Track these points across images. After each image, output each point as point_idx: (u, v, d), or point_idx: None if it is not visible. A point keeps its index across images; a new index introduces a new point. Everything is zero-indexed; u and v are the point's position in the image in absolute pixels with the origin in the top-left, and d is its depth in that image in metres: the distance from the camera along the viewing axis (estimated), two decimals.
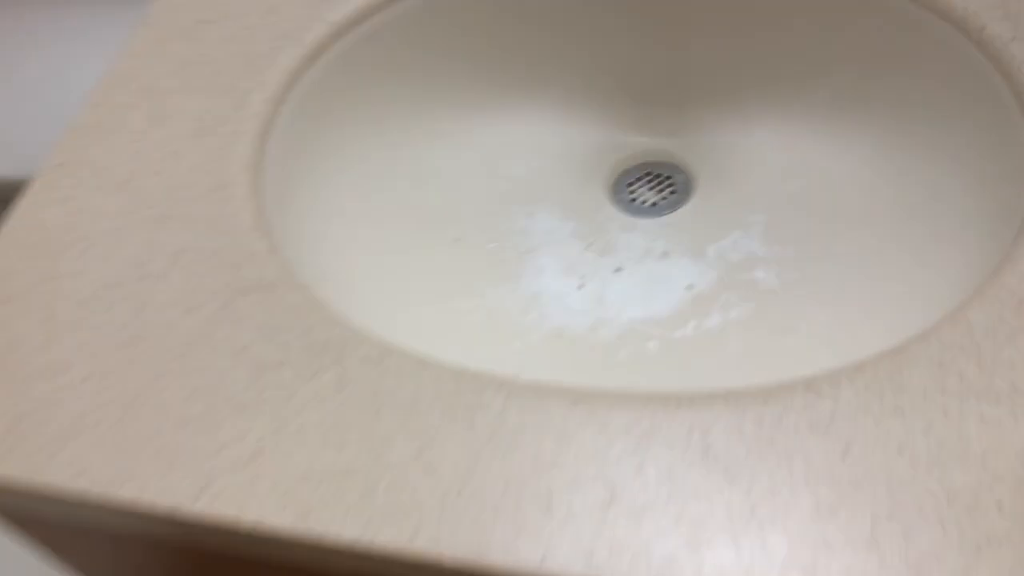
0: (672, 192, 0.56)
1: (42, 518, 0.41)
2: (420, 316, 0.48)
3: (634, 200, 0.56)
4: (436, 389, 0.37)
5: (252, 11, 0.53)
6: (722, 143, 0.56)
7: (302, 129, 0.50)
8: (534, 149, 0.58)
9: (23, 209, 0.45)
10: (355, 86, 0.52)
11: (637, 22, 0.56)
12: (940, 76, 0.48)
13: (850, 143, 0.52)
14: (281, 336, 0.39)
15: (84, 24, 0.79)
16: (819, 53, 0.52)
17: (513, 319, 0.50)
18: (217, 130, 0.47)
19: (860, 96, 0.52)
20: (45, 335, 0.40)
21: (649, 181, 0.57)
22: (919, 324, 0.40)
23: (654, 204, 0.56)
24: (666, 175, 0.57)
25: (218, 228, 0.43)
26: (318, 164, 0.50)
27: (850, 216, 0.51)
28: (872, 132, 0.52)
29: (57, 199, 0.46)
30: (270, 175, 0.46)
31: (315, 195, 0.49)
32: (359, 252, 0.49)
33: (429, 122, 0.56)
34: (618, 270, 0.53)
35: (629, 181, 0.57)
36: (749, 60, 0.55)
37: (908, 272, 0.46)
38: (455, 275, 0.52)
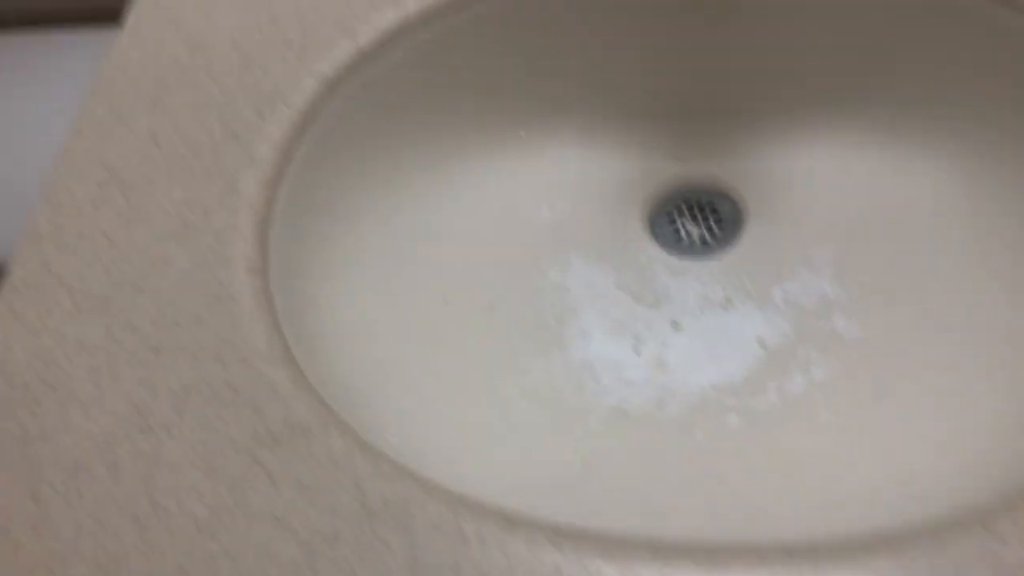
0: (720, 225, 0.50)
1: None
2: (467, 416, 0.42)
3: (679, 237, 0.50)
4: (529, 563, 0.31)
5: (224, 69, 0.45)
6: (771, 165, 0.50)
7: (306, 211, 0.42)
8: (557, 188, 0.51)
9: None
10: (356, 149, 0.45)
11: (664, 28, 0.49)
12: None
13: (923, 160, 0.46)
14: (327, 498, 0.32)
15: (35, 85, 0.70)
16: (881, 59, 0.46)
17: (567, 400, 0.44)
18: (207, 226, 0.40)
19: (931, 107, 0.46)
20: (30, 521, 0.33)
21: (692, 213, 0.51)
22: None
23: (703, 240, 0.49)
24: (710, 205, 0.51)
25: (227, 356, 0.36)
26: (328, 251, 0.43)
27: (932, 246, 0.45)
28: (948, 147, 0.46)
29: (21, 332, 0.38)
30: (277, 276, 0.39)
31: (330, 292, 0.42)
32: (390, 355, 0.42)
33: (439, 175, 0.49)
34: (676, 326, 0.46)
35: (669, 214, 0.51)
36: (798, 68, 0.48)
37: (1018, 311, 0.41)
38: (494, 354, 0.45)
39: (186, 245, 0.39)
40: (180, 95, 0.44)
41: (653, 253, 0.49)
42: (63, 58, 0.74)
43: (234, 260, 0.39)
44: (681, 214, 0.51)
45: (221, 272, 0.38)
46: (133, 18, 0.48)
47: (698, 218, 0.50)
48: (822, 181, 0.49)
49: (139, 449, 0.34)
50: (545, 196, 0.51)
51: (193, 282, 0.38)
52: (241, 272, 0.38)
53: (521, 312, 0.47)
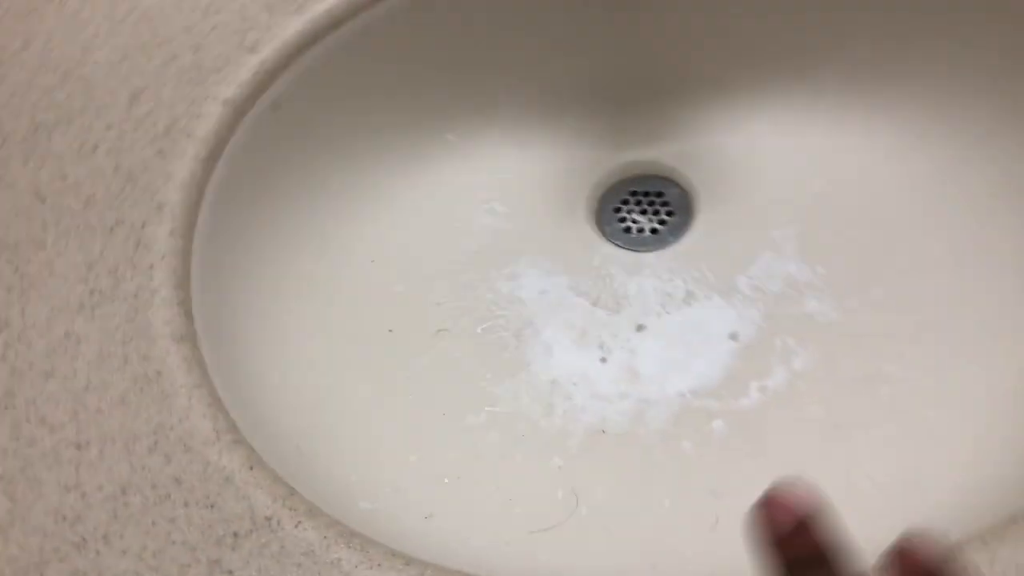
0: (669, 212, 0.47)
1: None
2: (437, 463, 0.38)
3: (628, 229, 0.47)
4: None
5: (110, 102, 0.39)
6: (715, 144, 0.47)
7: (227, 257, 0.37)
8: (495, 191, 0.47)
9: None
10: (273, 177, 0.40)
11: (583, 12, 0.45)
12: (982, 35, 0.40)
13: (876, 125, 0.44)
14: None
15: None
16: (821, 21, 0.44)
17: (539, 427, 0.41)
18: (117, 291, 0.35)
19: (880, 69, 0.44)
20: None
21: (638, 203, 0.48)
22: None
23: (654, 231, 0.47)
24: (657, 192, 0.48)
25: (166, 443, 0.31)
26: (259, 300, 0.38)
27: (894, 214, 0.43)
28: (901, 110, 0.44)
29: None
30: (206, 340, 0.34)
31: (268, 347, 0.37)
32: (345, 407, 0.38)
33: (367, 192, 0.44)
34: (640, 328, 0.44)
35: (615, 207, 0.48)
36: (732, 41, 0.45)
37: (998, 273, 0.40)
38: (455, 383, 0.41)
39: (96, 316, 0.34)
40: (61, 138, 0.38)
41: (605, 251, 0.46)
42: None
43: (155, 327, 0.34)
44: (627, 205, 0.48)
45: (142, 344, 0.33)
46: None
47: (646, 208, 0.47)
48: (771, 156, 0.46)
49: (76, 569, 0.29)
50: (483, 201, 0.47)
51: (111, 359, 0.33)
52: (165, 341, 0.33)
53: (475, 332, 0.43)
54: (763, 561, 0.21)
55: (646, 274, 0.45)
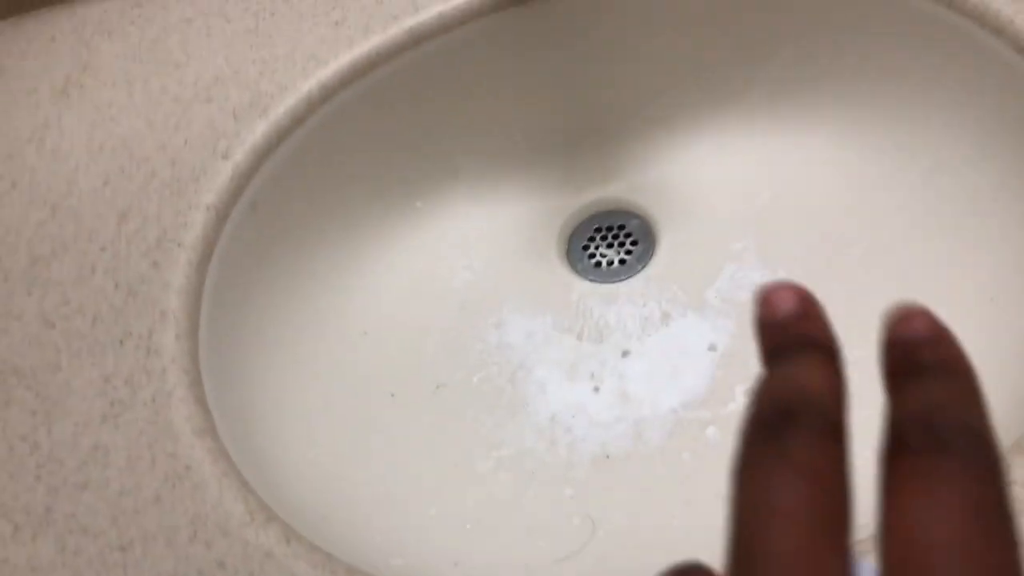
0: (633, 242, 0.50)
1: None
2: (457, 512, 0.40)
3: (599, 264, 0.50)
4: None
5: (100, 225, 0.41)
6: (665, 174, 0.50)
7: (233, 350, 0.40)
8: (470, 248, 0.50)
9: None
10: (263, 268, 0.43)
11: (527, 72, 0.49)
12: (896, 35, 0.44)
13: (808, 134, 0.48)
14: None
15: None
16: (741, 49, 0.47)
17: (545, 461, 0.43)
18: (135, 398, 0.37)
19: (804, 81, 0.47)
20: None
21: (603, 238, 0.51)
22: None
23: (622, 261, 0.49)
24: (618, 225, 0.51)
25: (205, 532, 0.33)
26: (269, 384, 0.41)
27: (840, 212, 0.46)
28: (829, 116, 0.47)
29: None
30: (225, 430, 0.37)
31: (284, 427, 0.40)
32: (362, 475, 0.40)
33: (351, 266, 0.47)
34: (626, 353, 0.46)
35: (583, 246, 0.50)
36: (664, 77, 0.49)
37: (953, 254, 0.43)
38: (460, 434, 0.44)
39: (119, 425, 0.36)
40: (60, 266, 0.41)
41: (581, 287, 0.49)
42: None
43: (176, 425, 0.36)
44: (594, 242, 0.50)
45: (167, 443, 0.36)
46: None
47: (611, 241, 0.50)
48: (718, 176, 0.50)
49: None
50: (460, 258, 0.50)
51: (140, 462, 0.35)
52: (188, 437, 0.36)
53: (471, 383, 0.46)
54: (761, 343, 0.20)
55: (622, 302, 0.48)
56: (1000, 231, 0.41)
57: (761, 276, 0.46)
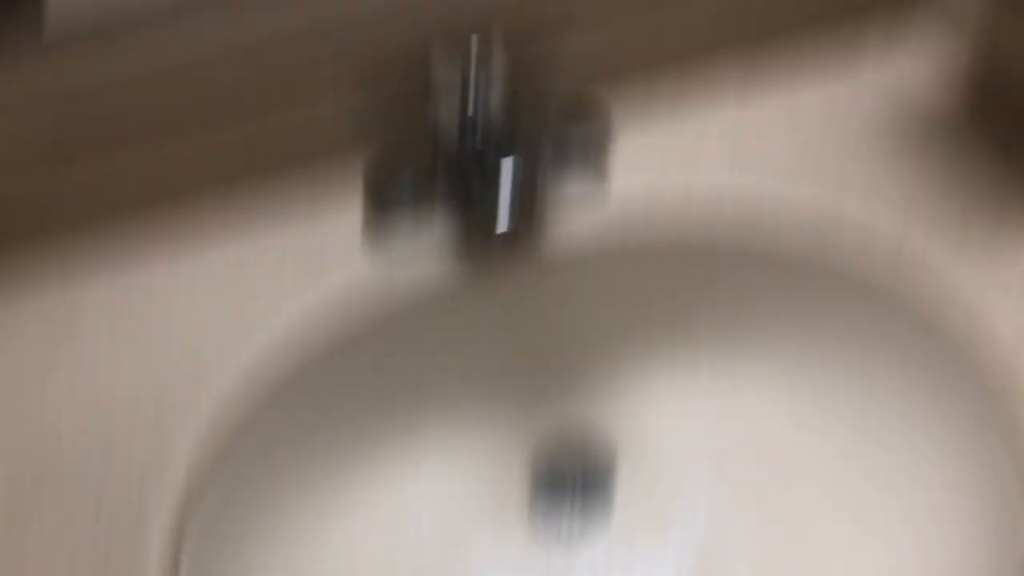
0: (592, 497, 0.51)
1: None
2: None
3: (561, 523, 0.51)
4: None
5: (76, 506, 0.41)
6: (619, 423, 0.53)
7: None
8: (435, 510, 0.50)
9: None
10: (241, 521, 0.44)
11: (484, 334, 0.51)
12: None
13: (748, 379, 0.52)
14: None
15: None
16: (678, 315, 0.51)
17: None
18: None
19: (742, 343, 0.51)
20: None
21: (564, 500, 0.52)
22: None
23: (583, 519, 0.51)
24: (578, 484, 0.52)
25: None
26: None
27: (787, 450, 0.50)
28: (767, 368, 0.51)
29: None
30: None
31: None
32: None
33: (326, 524, 0.48)
34: None
35: (544, 511, 0.51)
36: (617, 334, 0.52)
37: (902, 511, 0.46)
38: None
39: None
40: (37, 529, 0.40)
41: (541, 554, 0.50)
42: None
43: None
44: (555, 504, 0.51)
45: None
46: None
47: (570, 501, 0.51)
48: (670, 418, 0.52)
49: None
50: (425, 521, 0.50)
51: None
52: None
53: None
54: None
55: (585, 558, 0.49)
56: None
57: (719, 510, 0.49)
